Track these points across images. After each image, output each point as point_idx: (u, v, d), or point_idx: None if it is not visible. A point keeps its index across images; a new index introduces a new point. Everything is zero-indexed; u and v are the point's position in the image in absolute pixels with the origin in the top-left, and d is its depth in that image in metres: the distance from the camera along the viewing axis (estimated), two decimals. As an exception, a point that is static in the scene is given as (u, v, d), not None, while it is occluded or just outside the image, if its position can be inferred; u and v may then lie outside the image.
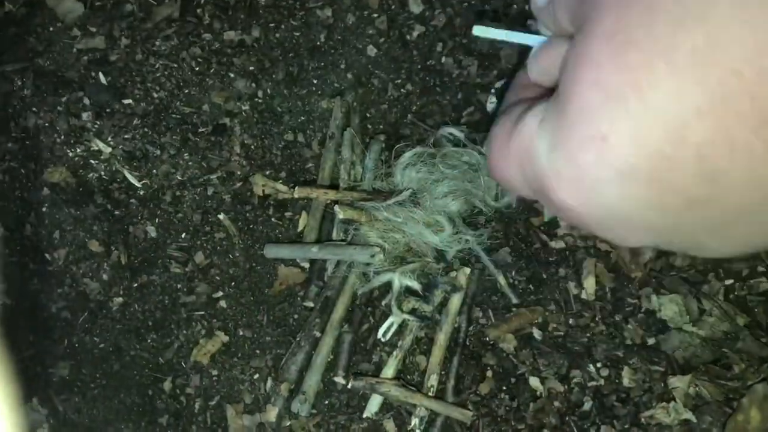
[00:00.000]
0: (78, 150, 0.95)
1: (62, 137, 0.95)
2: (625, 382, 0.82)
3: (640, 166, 0.20)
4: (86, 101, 0.96)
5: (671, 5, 0.18)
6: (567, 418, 0.82)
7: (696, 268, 0.85)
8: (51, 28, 1.00)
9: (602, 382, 0.83)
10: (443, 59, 0.95)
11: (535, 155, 0.23)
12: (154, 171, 0.94)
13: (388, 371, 0.83)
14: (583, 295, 0.86)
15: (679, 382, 0.80)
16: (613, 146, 0.20)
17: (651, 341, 0.84)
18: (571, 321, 0.85)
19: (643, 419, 0.81)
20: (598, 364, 0.83)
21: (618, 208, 0.21)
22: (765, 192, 0.19)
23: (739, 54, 0.17)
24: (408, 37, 0.97)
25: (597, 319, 0.85)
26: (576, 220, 0.24)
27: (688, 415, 0.79)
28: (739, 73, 0.17)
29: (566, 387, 0.83)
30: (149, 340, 0.88)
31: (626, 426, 0.81)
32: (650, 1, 0.19)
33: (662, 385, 0.81)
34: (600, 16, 0.20)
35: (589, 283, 0.86)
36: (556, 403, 0.82)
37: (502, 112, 0.28)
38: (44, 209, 0.93)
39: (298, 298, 0.88)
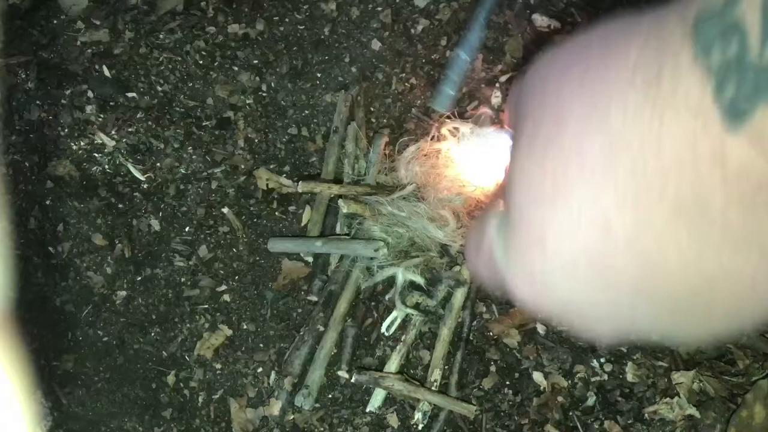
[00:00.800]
0: (82, 143, 0.95)
1: (66, 130, 0.95)
2: (629, 377, 0.82)
3: (578, 262, 0.21)
4: (90, 94, 0.96)
5: (577, 113, 0.20)
6: (570, 413, 0.82)
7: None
8: (55, 21, 1.00)
9: (606, 377, 0.83)
10: (447, 53, 0.95)
11: (494, 258, 0.25)
12: (158, 164, 0.94)
13: (392, 365, 0.83)
14: (588, 291, 0.86)
15: (683, 378, 0.80)
16: (551, 247, 0.21)
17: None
18: (575, 316, 0.85)
19: (646, 414, 0.80)
20: (602, 360, 0.83)
21: (570, 299, 0.23)
22: (706, 274, 0.20)
23: (639, 155, 0.19)
24: (412, 31, 0.97)
25: (601, 314, 0.85)
26: (541, 313, 0.25)
27: (692, 410, 0.79)
28: (642, 173, 0.19)
29: (570, 382, 0.83)
30: (153, 334, 0.88)
31: (630, 421, 0.81)
32: (561, 111, 0.21)
33: (666, 380, 0.81)
34: (522, 125, 0.23)
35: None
36: (560, 398, 0.82)
37: (480, 214, 0.31)
38: (48, 202, 0.93)
39: (302, 292, 0.88)
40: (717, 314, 0.21)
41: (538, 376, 0.83)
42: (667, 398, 0.80)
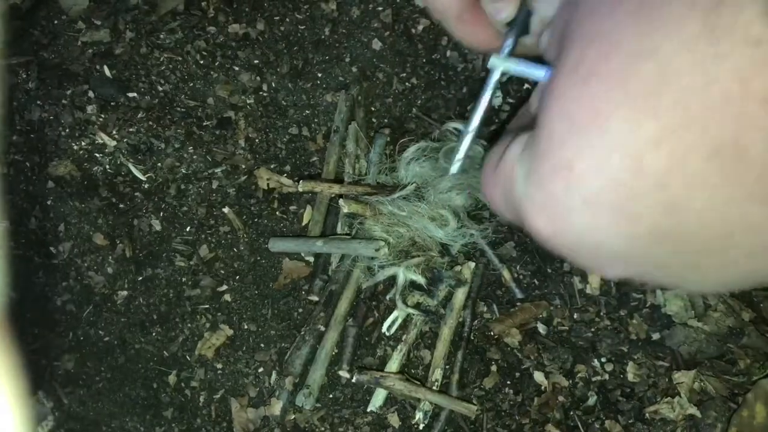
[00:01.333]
0: (83, 143, 0.95)
1: (67, 130, 0.95)
2: (630, 377, 0.82)
3: (603, 195, 0.20)
4: (91, 94, 0.96)
5: (629, 38, 0.19)
6: (571, 413, 0.82)
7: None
8: (56, 21, 1.00)
9: (607, 376, 0.83)
10: (448, 53, 0.95)
11: (514, 182, 0.24)
12: (159, 164, 0.94)
13: (393, 365, 0.83)
14: (588, 290, 0.86)
15: (683, 378, 0.80)
16: (578, 175, 0.20)
17: (656, 336, 0.84)
18: (575, 316, 0.85)
19: (647, 414, 0.81)
20: (603, 359, 0.83)
21: (587, 236, 0.22)
22: (728, 223, 0.19)
23: (687, 86, 0.17)
24: (413, 30, 0.97)
25: (602, 313, 0.85)
26: (552, 247, 0.25)
27: (693, 410, 0.79)
28: (687, 105, 0.18)
29: (571, 382, 0.83)
30: (154, 334, 0.88)
31: (630, 421, 0.81)
32: (611, 35, 0.19)
33: (667, 380, 0.81)
34: (568, 50, 0.21)
35: (594, 278, 0.86)
36: (561, 398, 0.82)
37: (500, 139, 0.30)
38: (49, 202, 0.93)
39: (303, 292, 0.88)
40: (733, 264, 0.20)
41: (539, 376, 0.83)
42: (668, 398, 0.80)
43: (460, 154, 0.50)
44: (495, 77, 0.44)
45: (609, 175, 0.20)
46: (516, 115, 0.37)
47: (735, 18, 0.16)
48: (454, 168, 0.50)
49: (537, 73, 0.34)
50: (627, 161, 0.19)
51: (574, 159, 0.20)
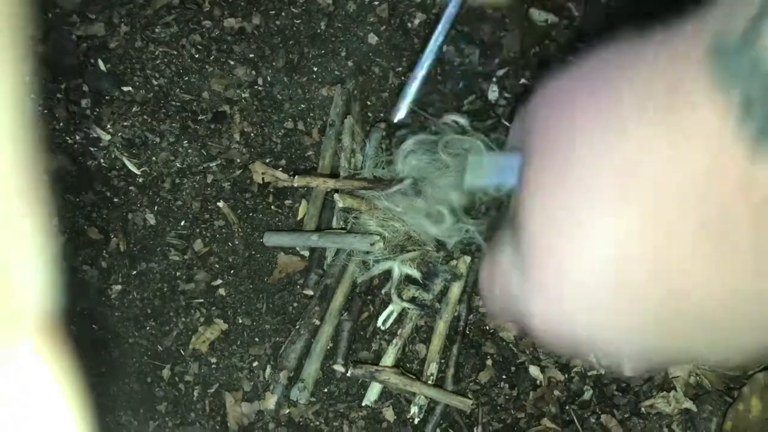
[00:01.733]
0: (77, 137, 0.95)
1: (61, 124, 0.95)
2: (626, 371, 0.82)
3: (598, 291, 0.20)
4: (85, 88, 0.96)
5: (589, 142, 0.20)
6: (567, 407, 0.81)
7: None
8: (50, 15, 0.99)
9: (602, 371, 0.82)
10: (445, 47, 0.95)
11: (511, 290, 0.25)
12: (154, 158, 0.93)
13: (388, 359, 0.83)
14: (584, 285, 0.86)
15: (679, 372, 0.80)
16: (569, 278, 0.21)
17: (652, 331, 0.84)
18: (571, 310, 0.85)
19: (643, 408, 0.80)
20: (599, 353, 0.83)
21: (593, 330, 0.22)
22: (733, 297, 0.19)
23: (655, 182, 0.18)
24: (409, 24, 0.97)
25: (597, 308, 0.85)
26: (561, 349, 0.25)
27: (689, 404, 0.79)
28: (660, 199, 0.18)
29: (566, 376, 0.83)
30: (148, 328, 0.88)
31: (626, 415, 0.81)
32: (571, 141, 0.20)
33: (662, 374, 0.81)
34: (531, 154, 0.22)
35: (590, 273, 0.86)
36: (557, 392, 0.82)
37: (497, 237, 0.30)
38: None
39: (298, 286, 0.88)
40: (745, 334, 0.21)
41: (534, 370, 0.83)
42: (664, 392, 0.80)
43: (408, 97, 0.48)
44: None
45: (599, 272, 0.20)
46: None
47: (690, 115, 0.17)
48: (399, 114, 0.49)
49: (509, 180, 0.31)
50: (613, 258, 0.20)
51: (561, 263, 0.21)
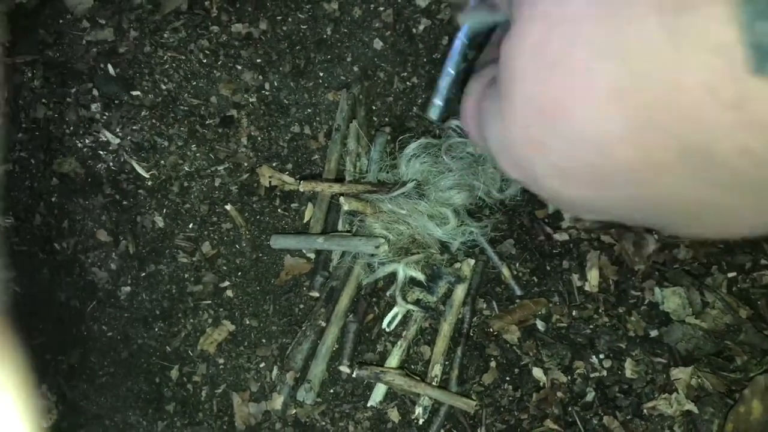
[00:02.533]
0: (87, 141, 0.96)
1: (71, 128, 0.97)
2: (628, 373, 0.83)
3: (574, 171, 0.21)
4: (95, 92, 0.97)
5: (594, 31, 0.18)
6: (570, 409, 0.82)
7: (699, 261, 0.86)
8: (61, 20, 1.01)
9: (605, 373, 0.83)
10: (449, 53, 0.96)
11: (489, 130, 0.25)
12: (162, 162, 0.95)
13: (393, 361, 0.84)
14: (587, 287, 0.87)
15: (681, 374, 0.81)
16: (549, 151, 0.21)
17: (654, 333, 0.84)
18: (574, 313, 0.86)
19: (645, 410, 0.81)
20: (601, 356, 0.84)
21: (561, 194, 0.23)
22: (698, 204, 0.19)
23: (654, 93, 0.17)
24: (414, 30, 0.98)
25: (600, 310, 0.86)
26: (513, 176, 0.25)
27: (690, 406, 0.79)
28: (654, 111, 0.17)
29: (569, 378, 0.83)
30: (157, 329, 0.89)
31: (628, 417, 0.81)
32: (572, 27, 0.19)
33: (665, 376, 0.82)
34: (526, 26, 0.21)
35: (593, 275, 0.87)
36: (559, 394, 0.83)
37: (478, 71, 0.30)
38: (54, 199, 0.94)
39: (304, 288, 0.89)
40: (705, 227, 0.22)
41: (537, 372, 0.84)
42: (666, 394, 0.81)
43: (439, 96, 0.49)
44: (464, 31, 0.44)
45: (579, 158, 0.20)
46: (489, 42, 0.37)
47: (694, 20, 0.16)
48: (432, 112, 0.49)
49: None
50: (597, 149, 0.20)
51: (543, 138, 0.21)
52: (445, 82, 0.48)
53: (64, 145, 0.96)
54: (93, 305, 0.90)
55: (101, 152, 0.96)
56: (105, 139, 0.96)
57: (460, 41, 0.44)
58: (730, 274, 0.85)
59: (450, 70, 0.48)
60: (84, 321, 0.90)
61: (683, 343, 0.83)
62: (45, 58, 0.99)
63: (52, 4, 1.01)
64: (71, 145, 0.96)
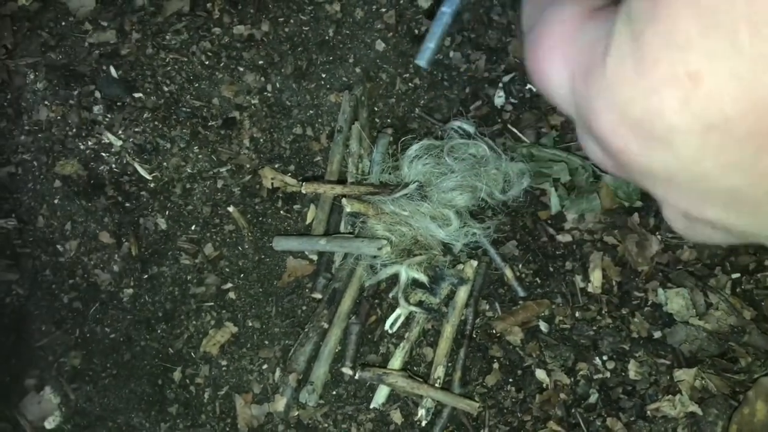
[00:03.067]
0: (89, 143, 0.96)
1: (74, 130, 0.97)
2: (631, 374, 0.83)
3: (738, 120, 0.16)
4: (97, 94, 0.98)
5: None
6: (573, 410, 0.82)
7: (703, 262, 0.86)
8: (63, 23, 1.01)
9: (608, 374, 0.83)
10: (451, 53, 0.96)
11: (598, 69, 0.18)
12: (165, 164, 0.95)
13: (395, 362, 0.84)
14: (590, 289, 0.86)
15: (685, 375, 0.81)
16: (707, 90, 0.16)
17: (657, 334, 0.84)
18: (577, 314, 0.86)
19: (648, 412, 0.81)
20: (605, 357, 0.84)
21: (690, 165, 0.17)
22: None
23: None
24: (416, 32, 0.98)
25: (603, 312, 0.86)
26: (618, 164, 0.19)
27: (694, 407, 0.79)
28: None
29: (572, 379, 0.83)
30: (159, 331, 0.89)
31: (632, 418, 0.81)
32: None
33: (668, 378, 0.82)
34: None
35: (596, 277, 0.87)
36: (563, 395, 0.83)
37: None
38: (56, 201, 0.94)
39: (306, 290, 0.89)
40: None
41: (540, 374, 0.84)
42: (670, 395, 0.81)
43: (434, 37, 0.42)
44: None
45: (755, 96, 0.15)
46: None
47: None
48: (423, 58, 0.43)
49: None
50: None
51: (704, 68, 0.15)
52: (439, 24, 0.41)
53: (67, 147, 0.96)
54: (96, 307, 0.90)
55: (104, 154, 0.96)
56: (107, 141, 0.96)
57: None
58: (734, 276, 0.84)
59: (445, 9, 0.41)
60: (87, 323, 0.90)
61: (687, 345, 0.83)
62: (47, 60, 0.99)
63: (55, 7, 1.01)
64: (74, 147, 0.96)
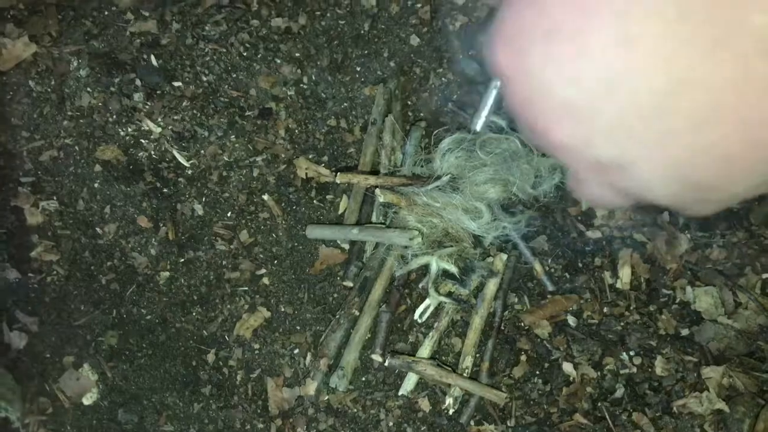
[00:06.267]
0: (129, 129, 0.99)
1: (114, 117, 0.99)
2: (658, 370, 0.84)
3: (608, 81, 0.20)
4: (138, 82, 1.00)
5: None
6: (599, 404, 0.83)
7: (732, 261, 0.86)
8: (106, 12, 1.04)
9: (635, 370, 0.84)
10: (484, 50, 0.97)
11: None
12: (202, 151, 0.97)
13: (424, 351, 0.86)
14: (618, 285, 0.87)
15: (712, 373, 0.81)
16: (590, 51, 0.20)
17: (685, 332, 0.85)
18: (605, 309, 0.87)
19: (675, 408, 0.82)
20: (632, 353, 0.85)
21: (561, 101, 0.21)
22: (717, 103, 0.19)
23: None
24: (451, 27, 0.99)
25: (631, 308, 0.86)
26: (505, 85, 0.24)
27: (721, 405, 0.80)
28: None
29: (599, 373, 0.84)
30: (194, 314, 0.91)
31: (658, 414, 0.82)
32: None
33: (695, 375, 0.82)
34: None
35: (625, 273, 0.87)
36: (589, 389, 0.84)
37: None
38: (96, 185, 0.97)
39: (338, 278, 0.91)
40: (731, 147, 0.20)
41: (567, 367, 0.85)
42: (696, 392, 0.81)
43: (486, 108, 0.46)
44: None
45: (611, 59, 0.20)
46: None
47: None
48: (477, 125, 0.47)
49: None
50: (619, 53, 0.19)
51: (586, 33, 0.20)
52: (491, 96, 0.45)
53: (107, 133, 0.99)
54: (133, 289, 0.93)
55: (143, 141, 0.98)
56: (147, 128, 0.99)
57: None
58: (765, 276, 0.85)
59: (497, 83, 0.45)
60: (124, 304, 0.93)
61: (715, 343, 0.83)
62: (90, 48, 1.02)
63: (99, -4, 1.04)
64: (114, 133, 0.99)
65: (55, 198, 0.97)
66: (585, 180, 0.25)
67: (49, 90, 1.01)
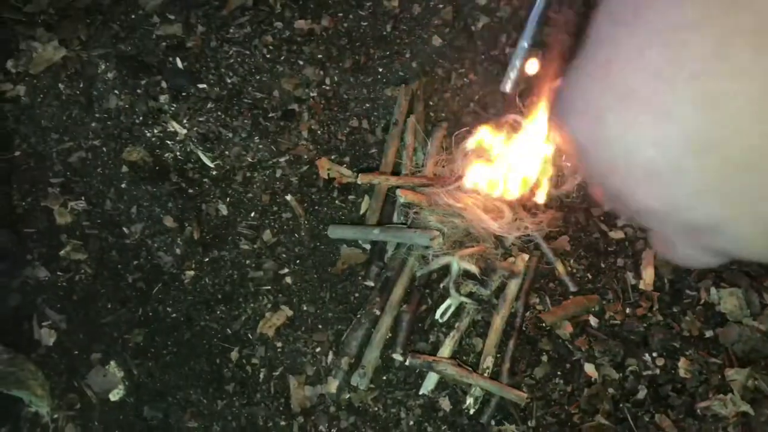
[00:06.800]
0: (155, 131, 1.01)
1: (141, 118, 1.01)
2: (681, 372, 0.83)
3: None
4: (164, 85, 1.02)
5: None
6: (621, 405, 0.83)
7: (758, 263, 0.85)
8: (133, 16, 1.06)
9: (658, 371, 0.83)
10: (507, 50, 0.97)
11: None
12: (227, 152, 0.99)
13: (445, 351, 0.86)
14: (641, 286, 0.87)
15: (737, 375, 0.81)
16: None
17: (709, 333, 0.84)
18: (628, 310, 0.86)
19: (698, 410, 0.81)
20: (654, 354, 0.84)
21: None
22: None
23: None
24: (473, 27, 0.99)
25: (654, 309, 0.86)
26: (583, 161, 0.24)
27: (746, 407, 0.79)
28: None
29: (621, 375, 0.84)
30: (218, 312, 0.93)
31: (681, 416, 0.81)
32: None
33: (719, 377, 0.82)
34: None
35: (648, 274, 0.87)
36: (611, 390, 0.83)
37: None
38: (123, 186, 0.99)
39: (359, 278, 0.92)
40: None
41: (589, 368, 0.84)
42: (720, 394, 0.81)
43: (515, 68, 0.48)
44: None
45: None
46: None
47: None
48: (507, 86, 0.49)
49: None
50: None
51: (662, 95, 0.21)
52: (519, 56, 0.47)
53: (134, 135, 1.01)
54: (158, 287, 0.95)
55: (169, 142, 1.00)
56: (172, 130, 1.00)
57: (538, 9, 0.44)
58: (791, 277, 0.84)
59: (524, 43, 0.47)
60: (149, 302, 0.94)
61: (739, 345, 0.83)
62: (117, 51, 1.04)
63: (126, 1, 1.06)
64: (140, 134, 1.01)
65: (83, 198, 0.99)
66: (675, 243, 0.25)
67: (77, 92, 1.03)
